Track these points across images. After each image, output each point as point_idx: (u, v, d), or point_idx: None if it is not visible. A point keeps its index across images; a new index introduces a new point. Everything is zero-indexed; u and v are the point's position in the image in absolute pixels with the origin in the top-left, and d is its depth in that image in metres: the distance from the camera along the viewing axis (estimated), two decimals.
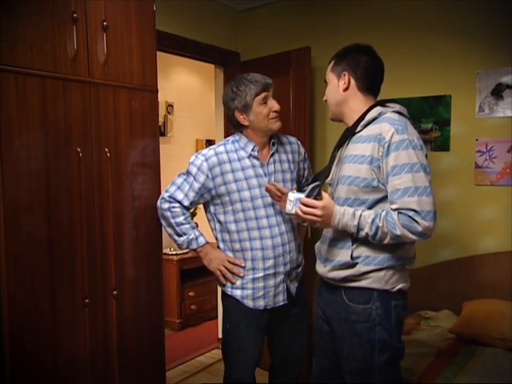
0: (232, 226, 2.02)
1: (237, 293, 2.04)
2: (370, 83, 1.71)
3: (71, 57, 1.77)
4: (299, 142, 2.23)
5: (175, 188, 2.03)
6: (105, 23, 1.87)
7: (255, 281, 2.02)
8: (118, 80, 1.94)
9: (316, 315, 1.88)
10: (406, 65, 2.86)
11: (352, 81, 1.69)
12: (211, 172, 1.98)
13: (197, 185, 1.99)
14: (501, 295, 2.52)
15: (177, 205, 2.02)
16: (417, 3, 2.83)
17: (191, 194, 2.01)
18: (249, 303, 2.03)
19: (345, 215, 1.58)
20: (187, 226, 2.05)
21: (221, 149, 2.03)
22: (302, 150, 2.23)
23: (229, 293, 2.06)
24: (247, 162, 2.02)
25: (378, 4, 2.97)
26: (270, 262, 2.00)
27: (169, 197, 2.02)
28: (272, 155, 2.07)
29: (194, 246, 2.06)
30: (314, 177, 1.87)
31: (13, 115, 1.61)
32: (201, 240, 2.06)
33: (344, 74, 1.69)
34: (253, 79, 1.99)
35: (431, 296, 2.79)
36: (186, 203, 2.02)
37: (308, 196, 1.66)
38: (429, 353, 2.20)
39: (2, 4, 1.57)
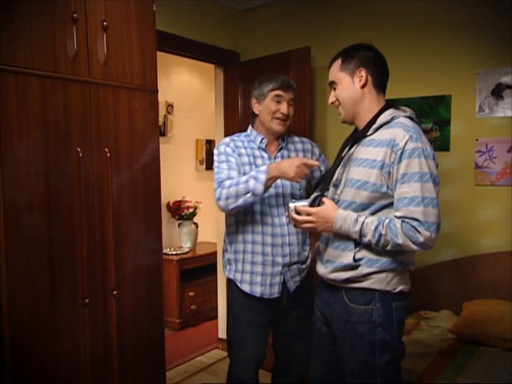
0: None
1: (237, 276, 2.11)
2: (383, 80, 1.71)
3: (71, 57, 1.77)
4: (314, 143, 2.28)
5: (216, 177, 2.05)
6: (105, 23, 1.87)
7: (254, 265, 2.07)
8: (118, 80, 1.94)
9: (313, 317, 1.86)
10: (406, 65, 2.86)
11: (369, 77, 1.67)
12: (235, 152, 2.08)
13: (233, 160, 2.05)
14: (501, 295, 2.52)
15: (226, 179, 2.00)
16: (417, 3, 2.83)
17: (233, 173, 2.02)
18: (246, 287, 2.08)
19: (347, 220, 1.58)
20: (244, 177, 1.95)
21: (235, 137, 2.17)
22: (317, 150, 2.26)
23: (231, 276, 2.13)
24: (256, 153, 2.12)
25: (378, 3, 2.97)
26: (268, 249, 2.06)
27: (217, 183, 2.01)
28: (280, 150, 2.14)
29: (263, 176, 1.90)
30: (316, 184, 1.86)
31: (13, 115, 1.61)
32: (263, 168, 1.93)
33: (360, 71, 1.66)
34: (277, 77, 2.10)
35: (431, 296, 2.79)
36: (233, 174, 2.01)
37: (311, 205, 1.68)
38: (429, 353, 2.20)
39: (2, 3, 1.57)
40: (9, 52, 1.59)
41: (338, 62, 1.72)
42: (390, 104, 1.70)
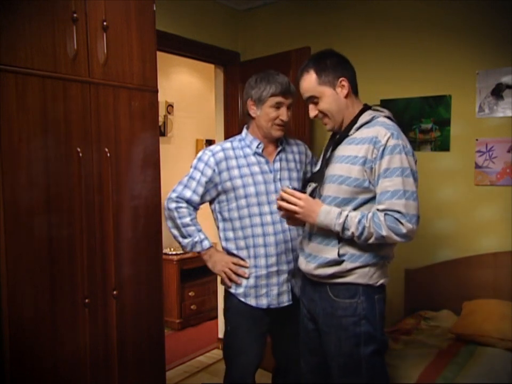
0: (236, 223, 2.01)
1: (240, 290, 2.03)
2: (355, 82, 1.75)
3: (71, 57, 1.77)
4: (306, 145, 2.24)
5: (182, 187, 2.02)
6: (105, 23, 1.87)
7: (258, 279, 2.00)
8: (118, 80, 1.94)
9: (300, 314, 1.89)
10: (406, 65, 2.86)
11: (349, 85, 1.70)
12: (217, 167, 1.99)
13: (204, 180, 1.99)
14: (501, 295, 2.52)
15: (184, 204, 2.00)
16: (417, 3, 2.82)
17: (200, 190, 2.00)
18: (251, 301, 2.01)
19: (330, 213, 1.61)
20: (193, 228, 2.02)
21: (228, 145, 2.06)
22: (310, 153, 2.23)
23: (233, 290, 2.04)
24: (252, 159, 2.04)
25: (378, 3, 2.97)
26: (273, 260, 1.99)
27: (177, 197, 2.01)
28: (278, 153, 2.07)
29: (198, 248, 2.03)
30: (309, 179, 1.88)
31: (13, 115, 1.61)
32: (206, 244, 2.03)
33: (341, 81, 1.68)
34: (278, 79, 2.00)
35: (431, 296, 2.80)
36: (195, 198, 2.00)
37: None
38: (429, 353, 2.20)
39: (3, 3, 1.57)
40: (9, 52, 1.59)
41: (312, 76, 1.71)
42: (368, 106, 1.75)
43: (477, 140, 2.69)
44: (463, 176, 2.75)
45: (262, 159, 2.05)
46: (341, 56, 1.74)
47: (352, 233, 1.58)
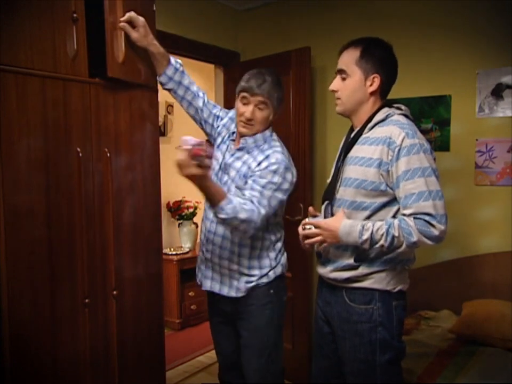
0: None
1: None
2: (389, 88, 1.69)
3: (71, 57, 1.76)
4: (281, 168, 1.86)
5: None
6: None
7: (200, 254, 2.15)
8: (118, 80, 1.93)
9: (315, 316, 1.87)
10: (406, 65, 2.85)
11: (381, 85, 1.64)
12: (221, 125, 2.20)
13: (215, 111, 2.22)
14: (501, 295, 2.52)
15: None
16: (417, 3, 2.83)
17: (215, 109, 2.24)
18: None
19: (351, 233, 1.54)
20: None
21: (233, 117, 2.10)
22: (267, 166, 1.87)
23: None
24: (224, 144, 2.14)
25: (378, 4, 2.97)
26: (203, 239, 2.06)
27: None
28: (240, 149, 1.99)
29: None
30: (324, 196, 1.81)
31: (12, 115, 1.60)
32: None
33: (375, 77, 1.63)
34: (252, 76, 1.94)
35: (431, 296, 2.80)
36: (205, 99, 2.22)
37: (324, 216, 1.69)
38: (429, 353, 2.20)
39: (2, 3, 1.56)
40: (9, 52, 1.58)
41: (356, 53, 1.64)
42: (385, 102, 1.69)
43: (477, 140, 2.69)
44: (463, 176, 2.74)
45: (224, 147, 2.10)
46: (391, 57, 1.67)
47: (382, 245, 1.52)
